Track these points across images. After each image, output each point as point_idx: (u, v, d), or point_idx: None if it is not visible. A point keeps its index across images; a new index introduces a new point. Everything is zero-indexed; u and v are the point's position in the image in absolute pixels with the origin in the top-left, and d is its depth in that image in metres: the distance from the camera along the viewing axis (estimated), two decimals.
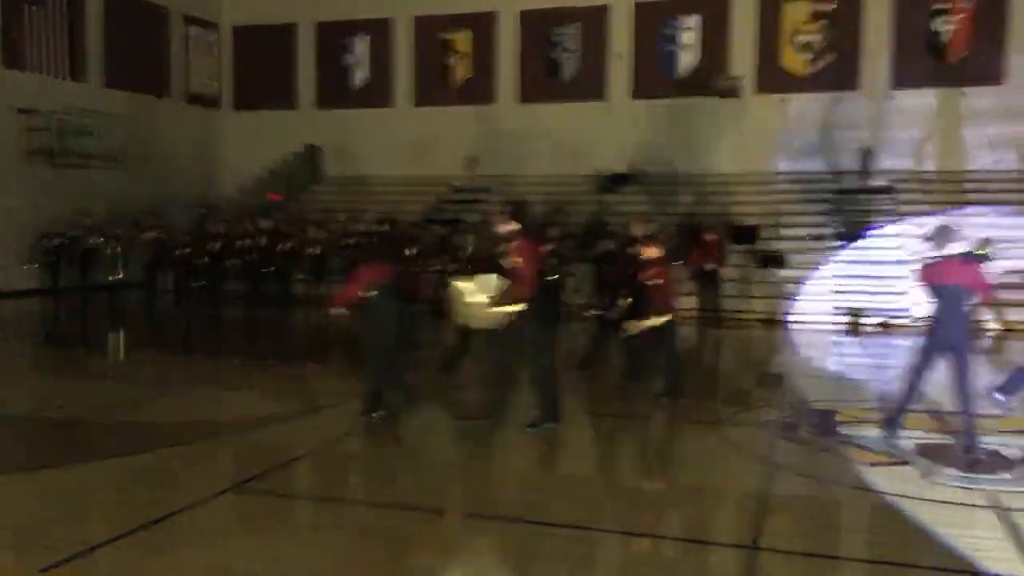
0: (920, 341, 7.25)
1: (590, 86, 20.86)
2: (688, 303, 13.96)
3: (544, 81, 21.27)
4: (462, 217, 17.78)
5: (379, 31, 22.52)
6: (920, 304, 7.43)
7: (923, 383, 7.20)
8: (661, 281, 8.24)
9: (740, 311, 14.78)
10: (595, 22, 20.87)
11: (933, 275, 7.00)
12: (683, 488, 6.15)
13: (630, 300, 8.42)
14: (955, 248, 7.11)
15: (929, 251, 7.25)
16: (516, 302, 6.81)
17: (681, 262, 13.24)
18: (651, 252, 8.43)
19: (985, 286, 6.98)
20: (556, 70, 21.33)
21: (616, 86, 20.65)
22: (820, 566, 4.73)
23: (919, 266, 7.23)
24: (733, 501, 5.82)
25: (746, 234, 16.16)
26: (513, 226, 7.06)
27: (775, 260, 15.85)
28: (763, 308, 15.11)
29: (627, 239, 9.48)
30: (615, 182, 19.07)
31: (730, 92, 19.31)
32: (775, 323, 14.87)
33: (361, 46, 22.77)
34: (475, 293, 7.00)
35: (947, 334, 6.87)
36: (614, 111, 20.22)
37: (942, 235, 7.19)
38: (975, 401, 6.84)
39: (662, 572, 4.64)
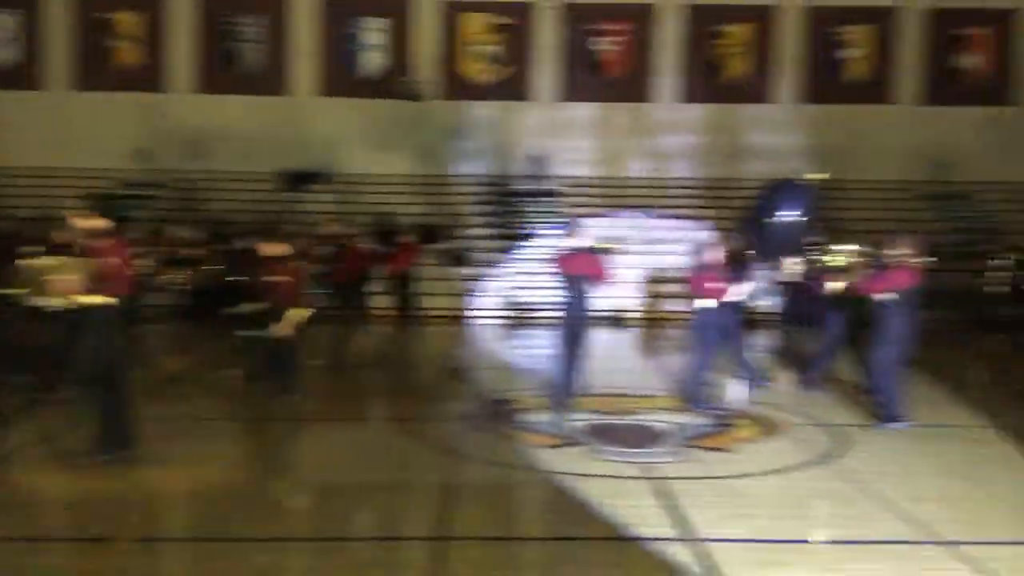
0: (564, 329, 8.24)
1: (274, 81, 20.21)
2: (383, 303, 14.18)
3: (223, 73, 20.20)
4: (131, 214, 16.33)
5: (29, 5, 19.96)
6: (560, 294, 8.41)
7: (577, 366, 8.16)
8: (285, 279, 8.16)
9: (429, 309, 15.20)
10: (279, 15, 20.25)
11: (564, 266, 8.08)
12: (371, 486, 6.11)
13: (256, 301, 8.25)
14: (584, 243, 8.30)
15: (564, 246, 8.32)
16: (100, 295, 6.27)
17: (376, 262, 13.38)
18: (272, 249, 8.35)
19: (606, 275, 8.17)
20: (236, 62, 20.39)
21: (301, 82, 20.22)
22: (509, 547, 5.03)
23: (555, 258, 8.26)
24: (423, 494, 5.96)
25: (433, 234, 16.68)
26: (97, 223, 6.55)
27: (460, 259, 16.57)
28: (449, 305, 15.69)
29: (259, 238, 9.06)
30: (299, 181, 18.68)
31: (413, 95, 19.75)
32: (459, 319, 15.54)
33: (7, 20, 20.05)
34: (54, 271, 6.37)
35: (578, 317, 8.05)
36: (299, 108, 19.78)
37: (574, 232, 8.27)
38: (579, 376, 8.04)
39: (354, 573, 4.63)
